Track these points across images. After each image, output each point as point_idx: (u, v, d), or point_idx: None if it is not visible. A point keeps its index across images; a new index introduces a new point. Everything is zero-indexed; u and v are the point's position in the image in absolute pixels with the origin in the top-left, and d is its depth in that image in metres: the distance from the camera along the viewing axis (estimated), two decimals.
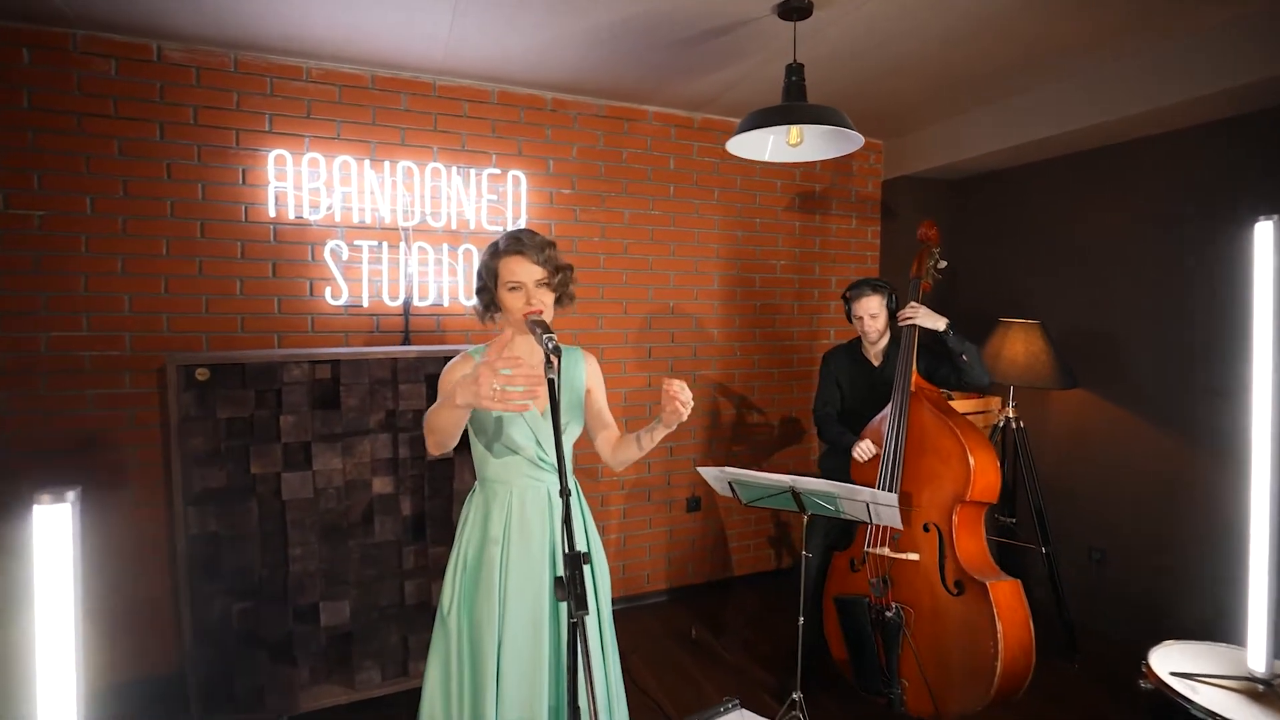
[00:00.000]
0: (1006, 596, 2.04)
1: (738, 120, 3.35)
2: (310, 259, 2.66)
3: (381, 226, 2.74)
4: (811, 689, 2.42)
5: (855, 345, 2.70)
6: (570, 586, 1.08)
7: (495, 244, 1.50)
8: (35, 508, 0.70)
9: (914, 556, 2.19)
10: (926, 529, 2.20)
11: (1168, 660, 1.61)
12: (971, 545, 2.18)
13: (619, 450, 1.64)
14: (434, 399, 2.46)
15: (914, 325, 2.36)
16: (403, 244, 2.77)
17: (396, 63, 2.66)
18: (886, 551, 2.23)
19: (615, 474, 3.20)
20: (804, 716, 2.14)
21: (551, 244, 1.51)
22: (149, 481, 2.49)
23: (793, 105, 2.01)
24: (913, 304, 2.38)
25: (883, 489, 2.23)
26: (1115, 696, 2.56)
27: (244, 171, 2.56)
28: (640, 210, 3.23)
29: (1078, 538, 3.10)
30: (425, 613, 2.50)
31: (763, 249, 3.52)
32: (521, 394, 1.23)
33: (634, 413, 3.26)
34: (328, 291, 2.67)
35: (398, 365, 2.44)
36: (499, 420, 1.50)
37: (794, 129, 2.15)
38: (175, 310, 2.50)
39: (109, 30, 2.34)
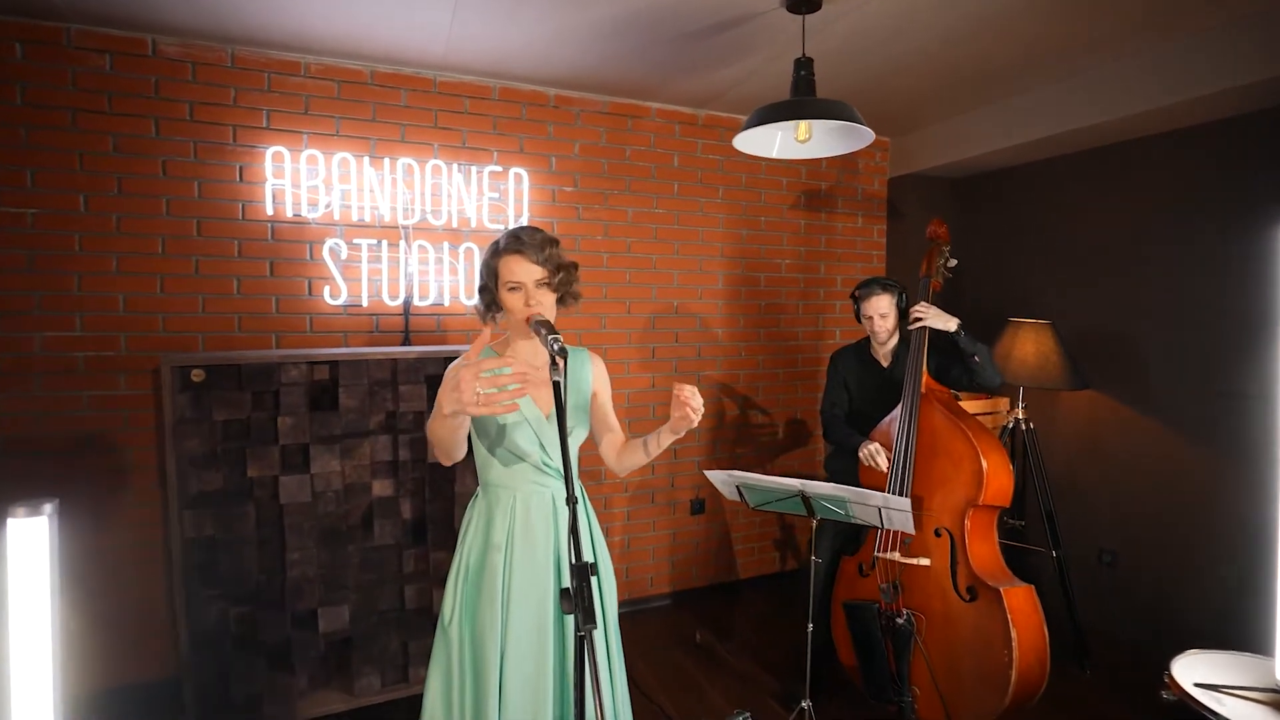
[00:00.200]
0: (1021, 603, 1.99)
1: (742, 117, 3.32)
2: (309, 258, 2.62)
3: (381, 225, 2.70)
4: (819, 695, 2.37)
5: (863, 345, 2.65)
6: (577, 599, 1.03)
7: (497, 242, 1.46)
8: (10, 521, 0.65)
9: (925, 562, 2.15)
10: (938, 534, 2.15)
11: (1191, 671, 1.56)
12: (984, 550, 2.13)
13: (624, 456, 1.59)
14: (434, 400, 2.44)
15: (924, 327, 2.31)
16: (403, 243, 2.72)
17: (396, 58, 2.61)
18: (897, 556, 2.18)
19: (619, 476, 3.15)
20: None
21: (554, 242, 1.46)
22: (145, 484, 2.45)
23: (802, 100, 1.97)
24: (923, 304, 2.33)
25: (893, 492, 2.18)
26: (1127, 702, 2.51)
27: (241, 169, 2.51)
28: (644, 208, 3.18)
29: (1087, 540, 3.06)
30: (426, 618, 2.45)
31: (767, 247, 3.47)
32: (509, 394, 1.15)
33: (637, 414, 3.21)
34: (326, 291, 2.63)
35: (398, 366, 2.39)
36: (502, 424, 1.45)
37: (803, 124, 2.11)
38: (171, 310, 2.46)
39: (103, 24, 2.30)
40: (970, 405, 3.14)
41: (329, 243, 2.62)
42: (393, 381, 2.40)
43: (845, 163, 3.61)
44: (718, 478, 2.07)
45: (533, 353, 1.54)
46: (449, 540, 2.46)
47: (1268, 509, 2.42)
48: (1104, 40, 2.39)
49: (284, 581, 2.28)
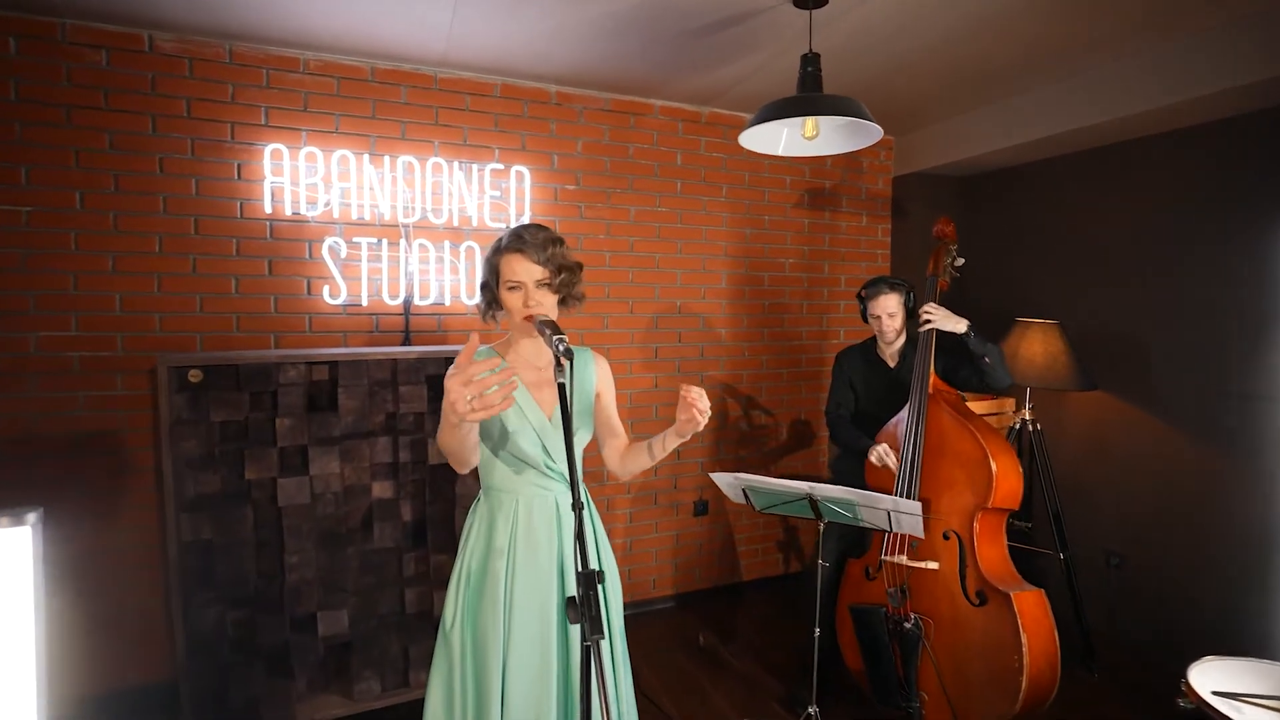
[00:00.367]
0: (1031, 607, 1.96)
1: (746, 115, 3.29)
2: (308, 256, 2.58)
3: (381, 223, 2.66)
4: (825, 700, 2.34)
5: (870, 345, 2.62)
6: (584, 608, 1.00)
7: (498, 240, 1.43)
8: None
9: (933, 565, 2.12)
10: (946, 537, 2.12)
11: (1208, 678, 1.53)
12: (993, 554, 2.10)
13: (628, 459, 1.56)
14: (435, 400, 2.41)
15: (932, 328, 2.27)
16: (403, 241, 2.69)
17: (397, 54, 2.58)
18: (904, 560, 2.15)
19: (621, 478, 3.12)
20: None
21: (558, 241, 1.42)
22: (141, 486, 2.42)
23: (810, 96, 1.93)
24: (932, 305, 2.29)
25: (900, 495, 2.15)
26: (1136, 706, 2.49)
27: (239, 166, 2.48)
28: (647, 207, 3.15)
29: (1095, 542, 3.03)
30: (426, 622, 2.42)
31: (771, 247, 3.44)
32: (500, 391, 1.10)
33: (640, 414, 3.18)
34: (326, 290, 2.60)
35: (398, 366, 2.36)
36: (505, 427, 1.42)
37: (810, 121, 2.07)
38: (168, 310, 2.43)
39: (99, 19, 2.26)
40: (976, 406, 3.11)
41: (328, 241, 2.58)
42: (393, 382, 2.36)
43: (849, 161, 3.57)
44: (723, 480, 2.04)
45: (535, 353, 1.50)
46: (450, 543, 2.43)
47: (1278, 511, 2.39)
48: (1105, 40, 2.38)
49: (282, 585, 2.25)
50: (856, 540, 2.46)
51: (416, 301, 2.72)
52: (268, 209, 2.50)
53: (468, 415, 1.07)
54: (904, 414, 2.27)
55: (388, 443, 2.37)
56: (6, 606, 0.66)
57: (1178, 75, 2.38)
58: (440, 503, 2.43)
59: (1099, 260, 3.03)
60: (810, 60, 2.01)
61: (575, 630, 1.43)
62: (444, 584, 2.40)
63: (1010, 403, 3.29)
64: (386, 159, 2.65)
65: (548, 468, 1.46)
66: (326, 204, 2.57)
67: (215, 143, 2.44)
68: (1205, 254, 2.64)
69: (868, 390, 2.59)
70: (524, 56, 2.60)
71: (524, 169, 2.85)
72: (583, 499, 1.11)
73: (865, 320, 2.55)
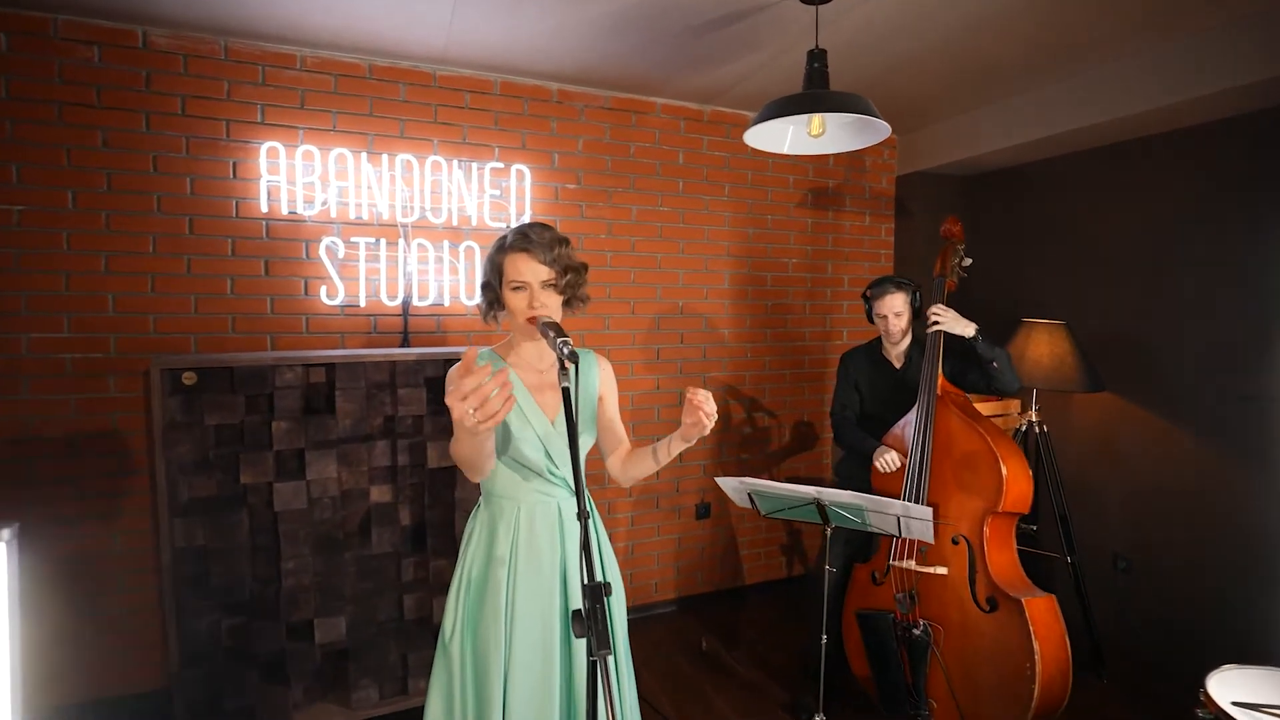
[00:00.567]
0: (1043, 613, 1.92)
1: (749, 113, 3.25)
2: (305, 256, 2.54)
3: (379, 223, 2.62)
4: (831, 707, 2.30)
5: (875, 346, 2.58)
6: (590, 621, 0.96)
7: (503, 238, 1.38)
8: None
9: (942, 571, 2.08)
10: (955, 541, 2.08)
11: (1227, 688, 1.49)
12: (1003, 559, 2.06)
13: (630, 465, 1.52)
14: (434, 403, 2.37)
15: (940, 330, 2.23)
16: (401, 241, 2.65)
17: (395, 51, 2.54)
18: (912, 565, 2.12)
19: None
20: None
21: (564, 241, 1.38)
22: (135, 490, 2.37)
23: (817, 93, 1.89)
24: (940, 306, 2.25)
25: (908, 499, 2.11)
26: (1145, 712, 2.46)
27: (235, 164, 2.44)
28: (648, 206, 3.11)
29: (1102, 546, 2.99)
30: (426, 628, 2.38)
31: (774, 246, 3.40)
32: (499, 396, 1.04)
33: (641, 417, 3.14)
34: (323, 291, 2.55)
35: (396, 368, 2.32)
36: (507, 431, 1.38)
37: (816, 119, 2.03)
38: (162, 310, 2.38)
39: (92, 15, 2.22)
40: (981, 408, 3.07)
41: (325, 241, 2.54)
42: (391, 384, 2.32)
43: (853, 160, 3.54)
44: (729, 485, 2.01)
45: (537, 355, 1.46)
46: (449, 548, 2.39)
47: None
48: (1105, 40, 2.37)
49: (278, 591, 2.20)
50: (862, 544, 2.43)
51: (415, 302, 2.68)
52: (264, 208, 2.46)
53: (478, 428, 1.04)
54: (911, 416, 2.24)
55: (386, 446, 2.33)
56: None
57: (1177, 75, 2.38)
58: (439, 507, 2.39)
59: (1105, 260, 3.00)
60: (817, 56, 1.98)
61: (578, 641, 1.39)
62: (443, 590, 2.36)
63: (1016, 404, 3.25)
64: (385, 157, 2.61)
65: (550, 473, 1.42)
66: (324, 203, 2.53)
67: (210, 141, 2.40)
68: (1211, 254, 2.61)
69: (873, 392, 2.55)
70: (524, 53, 2.56)
71: (524, 168, 2.81)
72: (588, 508, 1.07)
73: (870, 321, 2.51)
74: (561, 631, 1.41)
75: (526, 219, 2.82)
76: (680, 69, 2.71)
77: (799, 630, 3.02)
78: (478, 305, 1.47)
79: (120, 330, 2.34)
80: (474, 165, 2.74)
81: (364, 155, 2.58)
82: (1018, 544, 2.15)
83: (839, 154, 3.43)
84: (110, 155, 2.29)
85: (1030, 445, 2.83)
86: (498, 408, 1.02)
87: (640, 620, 3.15)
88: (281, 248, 2.51)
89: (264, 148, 2.44)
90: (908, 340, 2.49)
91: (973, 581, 2.03)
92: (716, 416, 1.29)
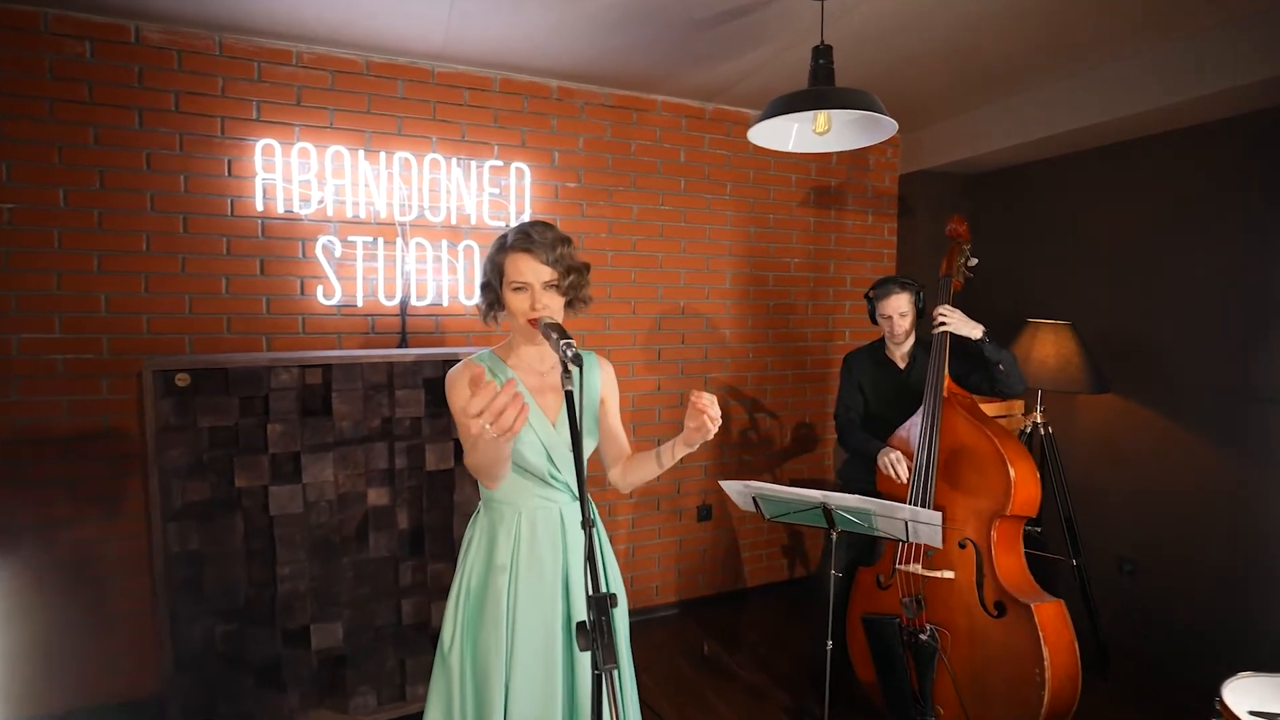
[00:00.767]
0: (1052, 619, 1.89)
1: (751, 111, 3.22)
2: (301, 256, 2.50)
3: (377, 221, 2.58)
4: (836, 712, 2.27)
5: (878, 346, 2.55)
6: (595, 634, 0.92)
7: (504, 237, 1.35)
8: None
9: (949, 575, 2.05)
10: (962, 545, 2.05)
11: (1244, 696, 1.46)
12: (1011, 563, 2.03)
13: (631, 470, 1.49)
14: (432, 405, 2.33)
15: (947, 332, 2.20)
16: (399, 240, 2.61)
17: (393, 47, 2.50)
18: (919, 569, 2.08)
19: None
20: None
21: (566, 241, 1.35)
22: (128, 494, 2.33)
23: (823, 89, 1.86)
24: (946, 307, 2.22)
25: (914, 503, 2.08)
26: (1150, 714, 2.43)
27: (230, 162, 2.40)
28: (649, 205, 3.07)
29: (1107, 548, 2.96)
30: (424, 633, 2.34)
31: (776, 245, 3.37)
32: (512, 407, 1.01)
33: (643, 418, 3.10)
34: (320, 290, 2.52)
35: (394, 369, 2.28)
36: None
37: (821, 116, 2.00)
38: (156, 310, 2.34)
39: (83, 9, 2.18)
40: (985, 408, 3.04)
41: (322, 240, 2.50)
42: (389, 385, 2.28)
43: (855, 159, 3.51)
44: (733, 489, 1.97)
45: (538, 357, 1.43)
46: (447, 551, 2.36)
47: None
48: (1106, 39, 2.36)
49: (274, 596, 2.16)
50: (866, 548, 2.39)
51: (413, 302, 2.64)
52: (259, 206, 2.42)
53: (501, 440, 1.01)
54: (916, 418, 2.20)
55: (384, 448, 2.29)
56: None
57: (1177, 75, 2.37)
58: (438, 510, 2.35)
59: (1109, 260, 2.97)
60: (822, 52, 1.94)
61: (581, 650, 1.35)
62: (442, 594, 2.33)
63: (1020, 405, 3.22)
64: (382, 155, 2.57)
65: (552, 477, 1.38)
66: (320, 201, 2.49)
67: (205, 138, 2.36)
68: (1216, 254, 2.58)
69: (877, 393, 2.52)
70: (524, 50, 2.52)
71: (524, 166, 2.78)
72: (592, 516, 1.03)
73: (874, 321, 2.48)
74: (564, 640, 1.38)
75: (526, 218, 2.78)
76: (682, 65, 2.68)
77: (801, 633, 2.99)
78: (477, 305, 1.43)
79: (113, 331, 2.30)
80: (473, 163, 2.70)
81: (361, 153, 2.54)
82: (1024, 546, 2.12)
83: (842, 152, 3.39)
84: (102, 153, 2.25)
85: (1035, 447, 2.79)
86: (511, 420, 0.99)
87: (641, 623, 3.12)
88: (277, 247, 2.47)
89: (259, 145, 2.40)
90: (911, 341, 2.46)
91: (980, 586, 2.00)
92: (721, 421, 1.25)
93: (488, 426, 0.98)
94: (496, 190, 2.74)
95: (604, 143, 2.96)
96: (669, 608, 3.25)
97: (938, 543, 1.83)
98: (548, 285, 1.31)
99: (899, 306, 2.36)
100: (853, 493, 1.90)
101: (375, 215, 2.58)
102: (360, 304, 2.58)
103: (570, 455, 1.37)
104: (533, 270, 1.29)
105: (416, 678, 2.34)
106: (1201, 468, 2.64)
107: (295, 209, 2.46)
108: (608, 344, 3.02)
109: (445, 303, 2.69)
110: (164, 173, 2.32)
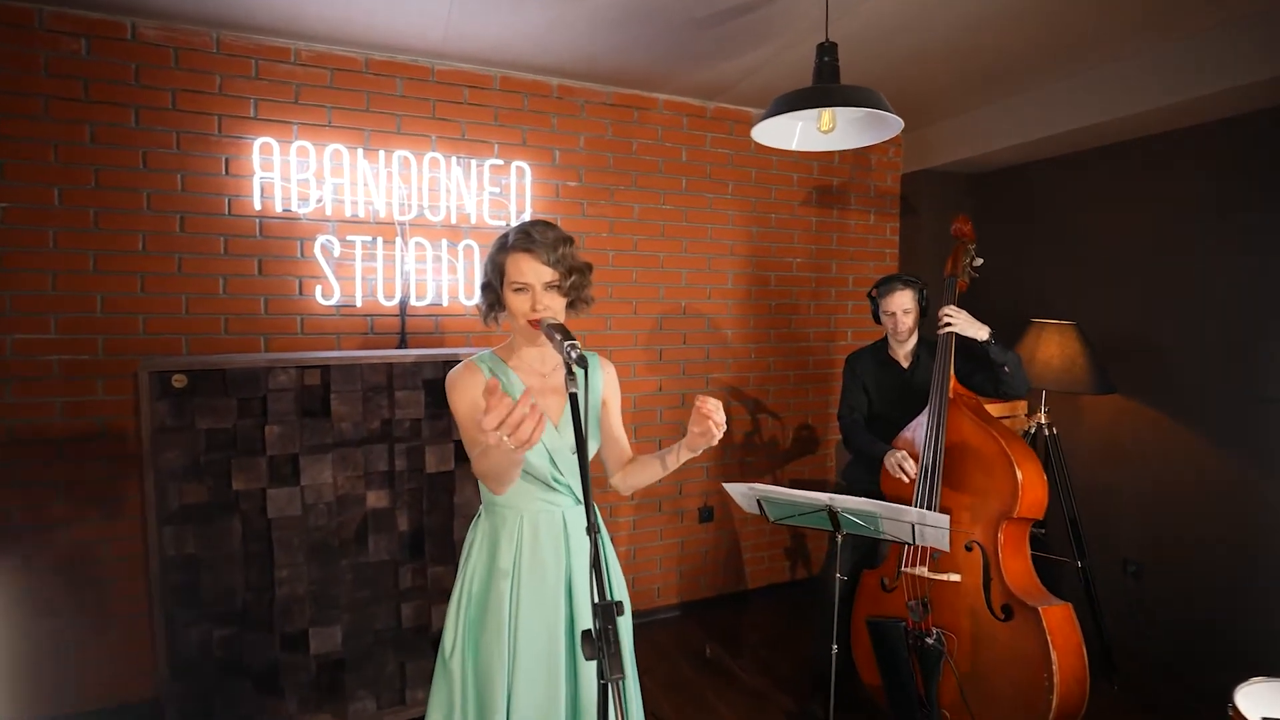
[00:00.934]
0: (1060, 623, 1.87)
1: (753, 109, 3.20)
2: (299, 255, 2.48)
3: (376, 221, 2.56)
4: (840, 716, 2.24)
5: (881, 346, 2.53)
6: (601, 642, 0.90)
7: (505, 236, 1.32)
8: None
9: (955, 578, 2.02)
10: (969, 548, 2.03)
11: (1257, 702, 1.44)
12: (1018, 566, 2.01)
13: (632, 473, 1.46)
14: (432, 406, 2.31)
15: (952, 332, 2.18)
16: (399, 239, 2.58)
17: (392, 45, 2.48)
18: (924, 572, 2.06)
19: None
20: None
21: (568, 240, 1.32)
22: (124, 497, 2.31)
23: (829, 87, 1.83)
24: (952, 307, 2.19)
25: (920, 505, 2.06)
26: (1156, 717, 2.41)
27: (227, 161, 2.37)
28: (651, 204, 3.05)
29: (1112, 550, 2.94)
30: (424, 637, 2.32)
31: (778, 245, 3.35)
32: (530, 418, 0.97)
33: (644, 419, 3.08)
34: (318, 290, 2.49)
35: (393, 370, 2.26)
36: None
37: (826, 114, 1.97)
38: (152, 311, 2.32)
39: (79, 6, 2.15)
40: (988, 409, 3.02)
41: (321, 239, 2.48)
42: (388, 387, 2.26)
43: (858, 158, 3.49)
44: (737, 491, 1.95)
45: (539, 358, 1.41)
46: (448, 554, 2.33)
47: None
48: (1108, 39, 2.35)
49: (272, 600, 2.14)
50: (871, 550, 2.37)
51: (413, 302, 2.62)
52: (257, 205, 2.40)
53: (520, 450, 0.98)
54: (922, 419, 2.18)
55: (383, 450, 2.26)
56: None
57: (1177, 75, 2.37)
58: (438, 513, 2.33)
59: (1113, 260, 2.95)
60: (827, 49, 1.91)
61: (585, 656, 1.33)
62: (443, 597, 2.30)
63: (1024, 406, 3.20)
64: (381, 154, 2.54)
65: (555, 481, 1.36)
66: (319, 200, 2.47)
67: (202, 136, 2.34)
68: (1220, 254, 2.57)
69: (881, 393, 2.50)
70: (524, 47, 2.50)
71: (524, 164, 2.75)
72: (597, 522, 1.01)
73: (877, 320, 2.46)
74: (566, 645, 1.35)
75: (527, 217, 2.76)
76: (683, 63, 2.66)
77: (804, 635, 2.96)
78: (477, 306, 1.41)
79: (109, 331, 2.27)
80: (473, 162, 2.68)
81: (360, 151, 2.52)
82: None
83: (844, 151, 3.37)
84: (98, 151, 2.23)
85: (1039, 448, 2.77)
86: (529, 431, 0.96)
87: (643, 625, 3.09)
88: (275, 246, 2.45)
89: (257, 143, 2.37)
90: (914, 340, 2.44)
91: (987, 589, 1.98)
92: (726, 427, 1.23)
93: (506, 439, 0.95)
94: (497, 189, 2.72)
95: (605, 141, 2.94)
96: (670, 609, 3.23)
97: (945, 545, 1.80)
98: (549, 286, 1.28)
99: (903, 303, 2.34)
100: (855, 494, 1.88)
101: (374, 214, 2.55)
102: (359, 304, 2.55)
103: (573, 459, 1.35)
104: (534, 271, 1.27)
105: (416, 682, 2.31)
106: (1207, 468, 2.62)
107: (293, 208, 2.44)
108: (609, 344, 3.00)
109: (445, 303, 2.67)
110: (161, 171, 2.30)
